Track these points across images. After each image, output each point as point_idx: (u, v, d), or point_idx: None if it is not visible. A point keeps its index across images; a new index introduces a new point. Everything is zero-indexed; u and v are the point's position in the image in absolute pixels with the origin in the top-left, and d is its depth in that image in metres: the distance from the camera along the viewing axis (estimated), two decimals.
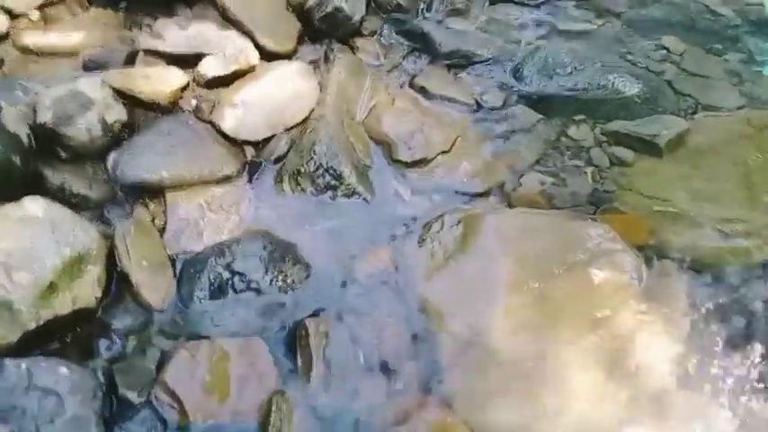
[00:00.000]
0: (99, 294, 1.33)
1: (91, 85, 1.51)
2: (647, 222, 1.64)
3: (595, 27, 2.27)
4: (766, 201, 1.69)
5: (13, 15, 1.80)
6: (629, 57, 2.17)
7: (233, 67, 1.72)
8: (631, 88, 1.99)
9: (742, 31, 2.29)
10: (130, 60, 1.72)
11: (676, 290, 1.47)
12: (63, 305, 1.25)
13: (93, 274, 1.34)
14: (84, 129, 1.48)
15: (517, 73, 2.03)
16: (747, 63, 2.18)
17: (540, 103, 1.98)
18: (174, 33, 1.78)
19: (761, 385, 1.29)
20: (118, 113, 1.55)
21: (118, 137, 1.56)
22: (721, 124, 1.93)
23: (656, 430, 1.24)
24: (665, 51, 2.20)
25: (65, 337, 1.29)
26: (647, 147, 1.83)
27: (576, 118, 1.93)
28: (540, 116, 1.94)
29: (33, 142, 1.43)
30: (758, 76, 2.12)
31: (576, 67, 2.02)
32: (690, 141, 1.87)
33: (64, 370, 1.15)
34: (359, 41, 2.07)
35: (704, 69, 2.14)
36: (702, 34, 2.29)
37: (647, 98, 1.99)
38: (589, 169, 1.80)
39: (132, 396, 1.22)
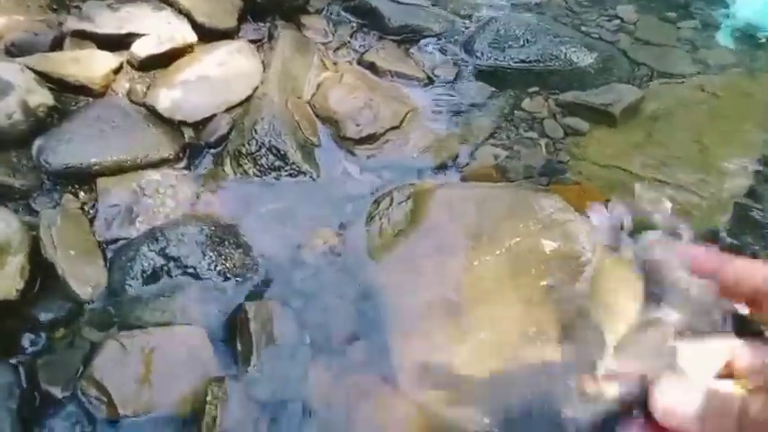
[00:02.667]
0: (21, 286, 1.24)
1: (9, 70, 1.42)
2: (600, 191, 1.60)
3: None
4: (719, 165, 1.66)
5: None
6: (583, 27, 2.13)
7: (167, 46, 1.64)
8: (585, 59, 1.95)
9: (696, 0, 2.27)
10: (58, 44, 1.63)
11: (628, 257, 1.43)
12: None
13: (15, 265, 1.25)
14: (2, 114, 1.39)
15: (469, 46, 1.98)
16: (701, 30, 2.16)
17: (493, 77, 1.93)
18: (105, 15, 1.69)
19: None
20: (42, 98, 1.46)
21: (43, 122, 1.47)
22: (675, 91, 1.90)
23: None
24: (619, 21, 2.17)
25: None
26: (601, 116, 1.79)
27: (530, 90, 1.89)
28: (494, 89, 1.89)
29: None
30: (711, 43, 2.10)
31: (528, 39, 1.97)
32: (644, 109, 1.84)
33: None
34: (305, 19, 2.00)
35: (658, 37, 2.12)
36: (656, 2, 2.26)
37: (601, 68, 1.95)
38: (543, 141, 1.76)
39: (56, 391, 1.14)
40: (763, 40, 2.10)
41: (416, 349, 1.29)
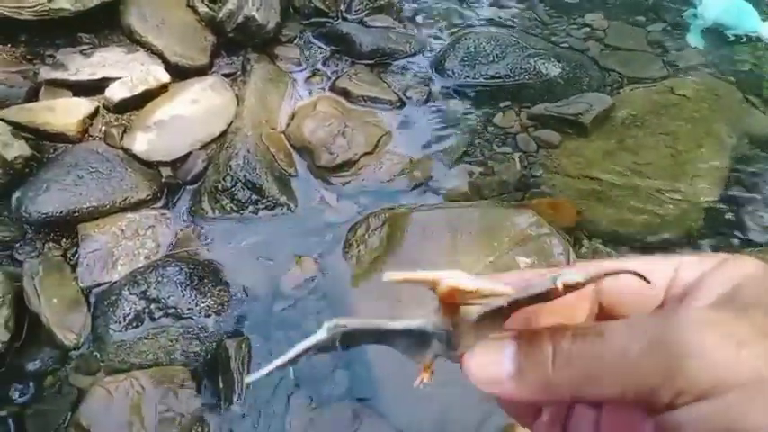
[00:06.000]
0: (6, 338, 1.27)
1: None
2: (574, 204, 1.63)
3: (518, 11, 2.26)
4: (691, 168, 1.68)
5: None
6: (553, 38, 2.16)
7: (141, 89, 1.67)
8: (554, 70, 1.98)
9: (663, 1, 2.29)
10: (34, 94, 1.67)
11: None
12: None
13: (0, 318, 1.28)
14: None
15: (440, 66, 2.01)
16: (670, 32, 2.18)
17: (465, 94, 1.96)
18: (78, 61, 1.73)
19: None
20: (19, 150, 1.50)
21: (21, 173, 1.51)
22: (646, 96, 1.92)
23: None
24: (588, 29, 2.20)
25: None
26: (572, 127, 1.82)
27: (502, 105, 1.92)
28: (466, 107, 1.92)
29: None
30: (681, 44, 2.13)
31: (498, 54, 2.00)
32: (615, 116, 1.86)
33: None
34: (277, 49, 2.03)
35: (628, 43, 2.14)
36: (625, 8, 2.29)
37: (571, 78, 1.98)
38: (516, 155, 1.79)
39: None
40: (732, 39, 2.12)
41: (397, 376, 1.31)
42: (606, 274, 0.32)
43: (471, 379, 0.35)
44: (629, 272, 0.32)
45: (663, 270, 0.35)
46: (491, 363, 0.34)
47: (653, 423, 0.33)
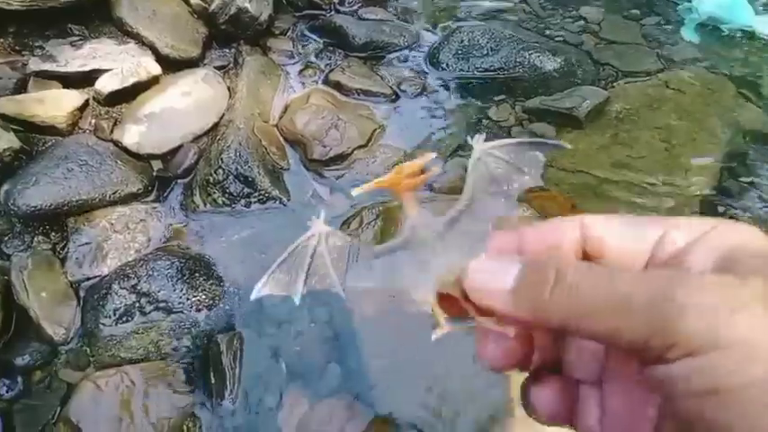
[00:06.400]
0: None
1: None
2: (568, 197, 1.62)
3: (512, 5, 2.25)
4: (685, 162, 1.68)
5: None
6: (547, 31, 2.15)
7: (131, 80, 1.65)
8: (549, 63, 1.97)
9: None
10: (23, 85, 1.64)
11: None
12: None
13: None
14: None
15: (434, 59, 2.00)
16: (664, 26, 2.17)
17: (459, 88, 1.94)
18: (68, 53, 1.70)
19: None
20: (7, 142, 1.48)
21: (10, 166, 1.48)
22: (640, 90, 1.92)
23: None
24: (583, 22, 2.19)
25: None
26: (567, 120, 1.81)
27: (496, 98, 1.91)
28: (460, 100, 1.91)
29: None
30: (675, 38, 2.12)
31: (492, 48, 1.99)
32: (610, 110, 1.85)
33: None
34: (270, 41, 2.01)
35: (623, 36, 2.14)
36: (619, 2, 2.28)
37: (566, 71, 1.97)
38: None
39: None
40: (726, 33, 2.12)
41: (391, 370, 1.30)
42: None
43: (471, 286, 0.37)
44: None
45: (651, 231, 0.36)
46: (494, 275, 0.36)
47: (656, 406, 0.35)
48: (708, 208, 1.61)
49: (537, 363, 0.41)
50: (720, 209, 1.62)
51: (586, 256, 0.38)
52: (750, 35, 2.10)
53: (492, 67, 1.95)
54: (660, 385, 0.31)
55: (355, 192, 0.43)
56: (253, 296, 0.45)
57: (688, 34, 2.12)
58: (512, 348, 0.39)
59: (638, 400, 0.36)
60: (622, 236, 0.37)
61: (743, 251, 0.32)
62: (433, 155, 0.39)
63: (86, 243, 1.44)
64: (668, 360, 0.30)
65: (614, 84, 1.96)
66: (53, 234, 1.47)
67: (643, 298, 0.30)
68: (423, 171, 0.43)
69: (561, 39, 2.11)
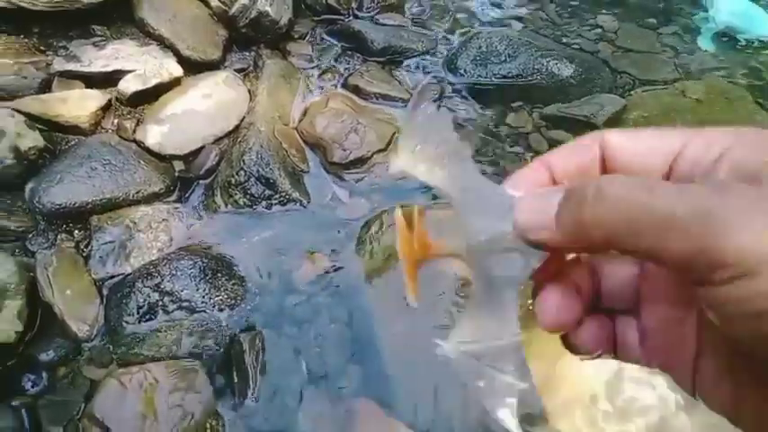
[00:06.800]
0: (20, 329, 1.27)
1: (0, 115, 1.45)
2: None
3: (529, 12, 2.26)
4: None
5: None
6: (564, 39, 2.16)
7: (154, 82, 1.67)
8: (566, 70, 1.98)
9: (674, 5, 2.30)
10: (47, 85, 1.66)
11: None
12: None
13: (13, 308, 1.28)
14: None
15: (452, 64, 2.01)
16: (681, 35, 2.18)
17: (477, 93, 1.96)
18: (91, 53, 1.72)
19: None
20: (33, 141, 1.49)
21: (35, 164, 1.50)
22: (657, 98, 1.93)
23: None
24: (599, 30, 2.20)
25: None
26: (584, 128, 1.82)
27: (514, 105, 1.92)
28: (478, 106, 1.92)
29: None
30: (692, 48, 2.13)
31: (510, 54, 2.00)
32: (627, 118, 1.86)
33: None
34: (290, 45, 2.03)
35: (639, 45, 2.15)
36: (635, 10, 2.29)
37: (583, 79, 1.98)
38: (528, 155, 1.79)
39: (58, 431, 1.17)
40: (744, 43, 2.13)
41: (410, 372, 1.31)
42: None
43: (519, 226, 0.35)
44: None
45: (669, 144, 0.35)
46: (540, 209, 0.34)
47: (695, 321, 0.35)
48: None
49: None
50: None
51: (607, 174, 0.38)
52: (767, 44, 2.11)
53: (510, 74, 1.96)
54: (709, 305, 0.30)
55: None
56: None
57: (705, 43, 2.13)
58: (571, 301, 0.39)
59: (677, 319, 0.36)
60: (638, 151, 0.36)
61: None
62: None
63: (110, 242, 1.46)
64: (715, 282, 0.28)
65: (631, 92, 1.97)
66: (76, 232, 1.48)
67: (685, 212, 0.28)
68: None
69: (578, 46, 2.12)
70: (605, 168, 0.37)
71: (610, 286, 0.40)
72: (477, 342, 0.40)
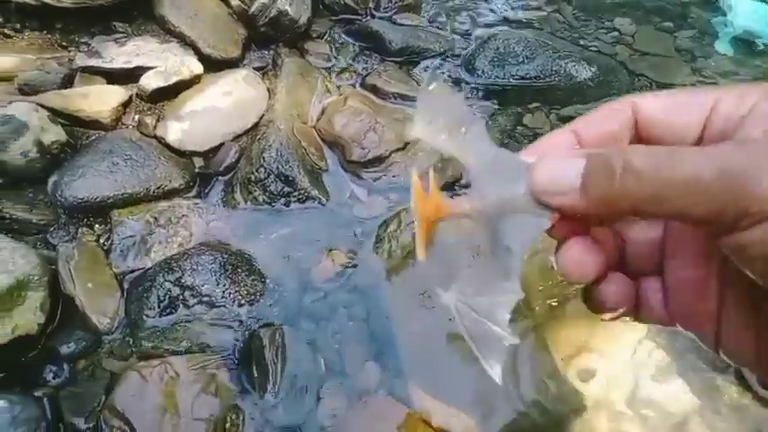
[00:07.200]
0: (42, 321, 1.28)
1: (24, 109, 1.47)
2: None
3: (546, 13, 2.27)
4: None
5: None
6: (582, 41, 2.16)
7: (175, 79, 1.68)
8: (584, 72, 1.98)
9: (691, 8, 2.30)
10: (69, 80, 1.68)
11: None
12: (1, 334, 1.20)
13: (35, 300, 1.29)
14: (19, 153, 1.43)
15: (469, 65, 2.01)
16: (698, 39, 2.18)
17: (495, 94, 1.96)
18: (113, 49, 1.74)
19: None
20: (56, 135, 1.51)
21: (57, 158, 1.51)
22: None
23: None
24: (616, 33, 2.20)
25: (6, 367, 1.23)
26: None
27: (531, 106, 1.92)
28: (495, 107, 1.92)
29: None
30: (710, 51, 2.13)
31: (528, 56, 2.00)
32: None
33: (1, 403, 1.10)
34: (308, 44, 2.04)
35: (656, 48, 2.14)
36: (653, 14, 2.29)
37: (601, 81, 1.98)
38: None
39: (79, 423, 1.17)
40: (762, 47, 2.12)
41: (428, 369, 1.31)
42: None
43: (536, 188, 0.36)
44: None
45: (701, 102, 0.36)
46: (559, 174, 0.35)
47: (717, 280, 0.36)
48: None
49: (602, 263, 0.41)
50: None
51: (640, 139, 0.38)
52: None
53: (528, 75, 1.96)
54: (732, 250, 0.31)
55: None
56: None
57: (723, 48, 2.13)
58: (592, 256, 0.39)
59: (700, 276, 0.37)
60: (672, 111, 0.37)
61: None
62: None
63: (130, 236, 1.47)
64: (742, 228, 0.29)
65: None
66: (97, 226, 1.49)
67: (711, 174, 0.30)
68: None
69: (595, 49, 2.12)
70: (638, 131, 0.38)
71: (634, 248, 0.42)
72: (477, 295, 0.42)
